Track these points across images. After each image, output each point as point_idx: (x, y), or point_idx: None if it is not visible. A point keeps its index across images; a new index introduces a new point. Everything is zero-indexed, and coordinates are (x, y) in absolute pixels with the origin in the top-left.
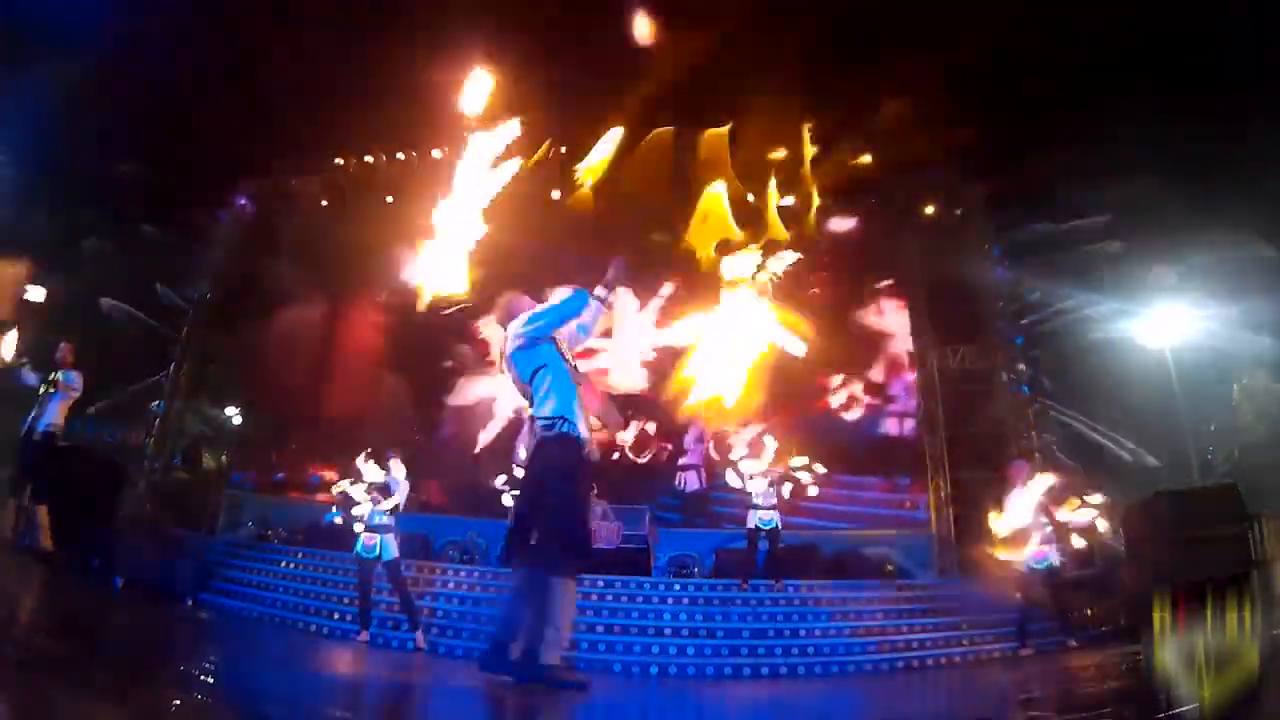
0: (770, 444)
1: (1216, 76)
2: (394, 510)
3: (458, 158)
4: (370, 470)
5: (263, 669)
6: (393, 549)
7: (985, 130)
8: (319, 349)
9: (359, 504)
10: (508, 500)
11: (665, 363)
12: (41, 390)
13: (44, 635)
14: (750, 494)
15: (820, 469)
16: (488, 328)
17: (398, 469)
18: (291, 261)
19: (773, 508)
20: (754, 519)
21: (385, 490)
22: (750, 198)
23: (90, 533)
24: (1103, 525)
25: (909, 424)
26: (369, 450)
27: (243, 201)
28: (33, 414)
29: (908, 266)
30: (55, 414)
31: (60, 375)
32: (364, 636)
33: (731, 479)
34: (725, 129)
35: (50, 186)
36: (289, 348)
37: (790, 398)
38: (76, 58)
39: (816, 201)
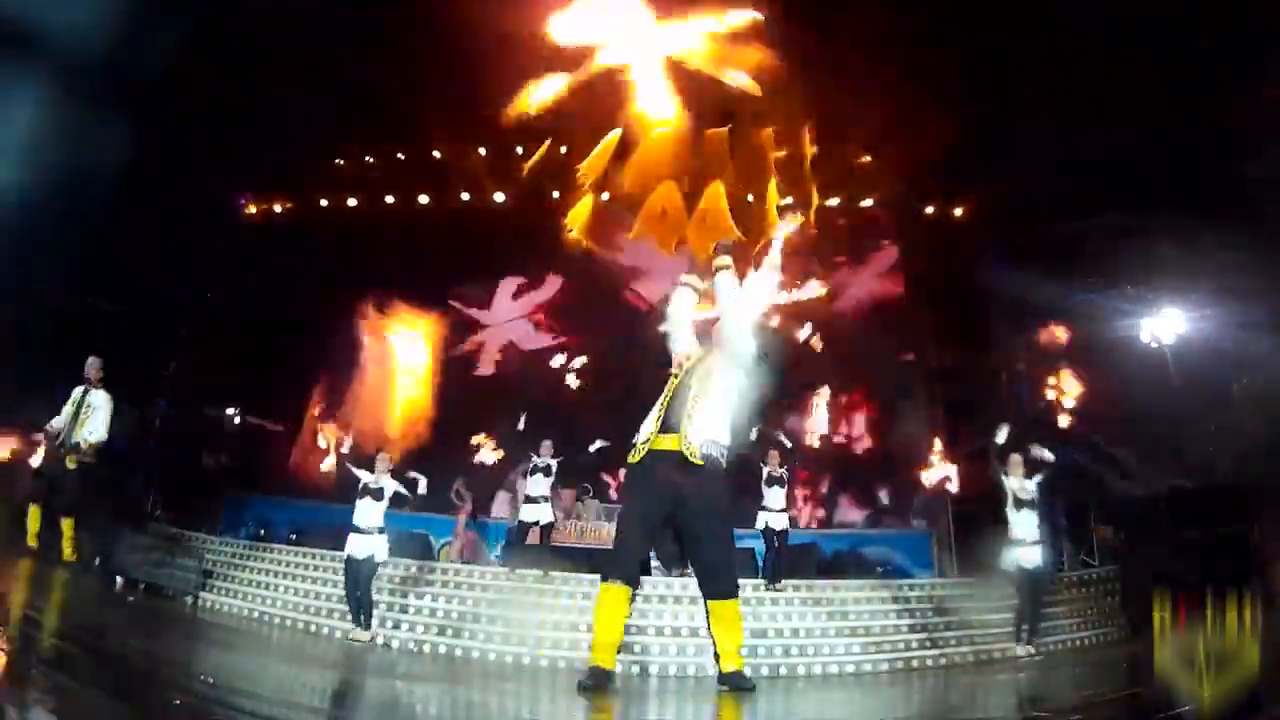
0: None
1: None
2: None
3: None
4: (385, 474)
5: (262, 669)
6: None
7: (986, 130)
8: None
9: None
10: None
11: None
12: (67, 411)
13: (46, 636)
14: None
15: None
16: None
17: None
18: (291, 262)
19: (782, 510)
20: (763, 520)
21: (380, 494)
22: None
23: (92, 533)
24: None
25: (908, 425)
26: (385, 454)
27: (241, 201)
28: (60, 436)
29: (907, 267)
30: (90, 434)
31: (89, 396)
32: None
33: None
34: (725, 129)
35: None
36: (290, 348)
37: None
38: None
39: (816, 201)
